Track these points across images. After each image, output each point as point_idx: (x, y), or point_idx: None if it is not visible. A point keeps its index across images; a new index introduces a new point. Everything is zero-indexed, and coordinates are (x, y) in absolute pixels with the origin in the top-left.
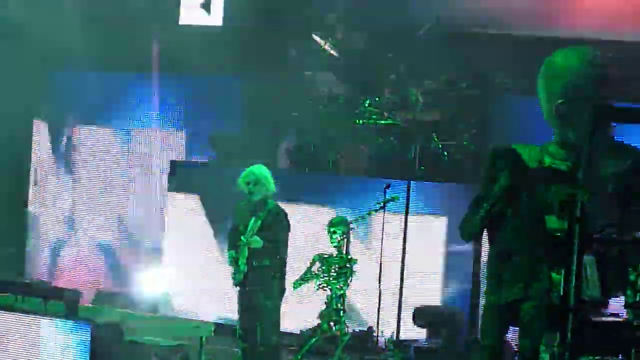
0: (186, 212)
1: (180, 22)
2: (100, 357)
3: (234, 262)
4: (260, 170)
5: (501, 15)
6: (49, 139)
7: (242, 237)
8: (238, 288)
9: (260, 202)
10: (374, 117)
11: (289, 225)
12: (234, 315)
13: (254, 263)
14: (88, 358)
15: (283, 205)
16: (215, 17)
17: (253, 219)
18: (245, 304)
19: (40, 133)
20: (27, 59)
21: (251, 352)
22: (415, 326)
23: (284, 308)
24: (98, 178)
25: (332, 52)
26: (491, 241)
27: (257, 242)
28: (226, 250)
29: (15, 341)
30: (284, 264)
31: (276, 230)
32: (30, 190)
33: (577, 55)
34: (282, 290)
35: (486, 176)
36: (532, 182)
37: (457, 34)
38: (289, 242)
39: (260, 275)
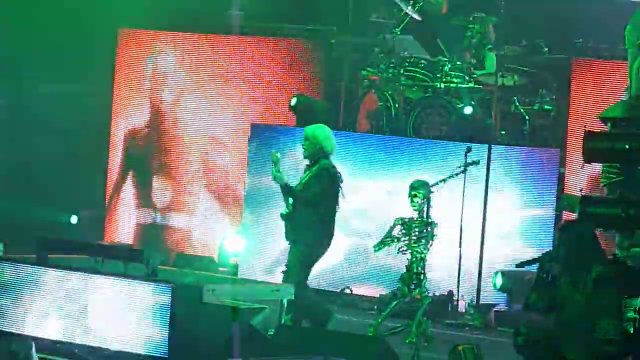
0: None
1: None
2: (180, 319)
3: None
4: (312, 129)
5: None
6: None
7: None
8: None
9: (312, 157)
10: (455, 80)
11: (331, 181)
12: (316, 280)
13: (295, 212)
14: (168, 320)
15: (362, 168)
16: None
17: (306, 172)
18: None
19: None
20: None
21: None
22: (496, 290)
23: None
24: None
25: (414, 15)
26: None
27: (280, 178)
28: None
29: (95, 303)
30: (326, 220)
31: (314, 183)
32: (111, 154)
33: None
34: (324, 242)
35: None
36: None
37: None
38: (335, 201)
39: (296, 223)
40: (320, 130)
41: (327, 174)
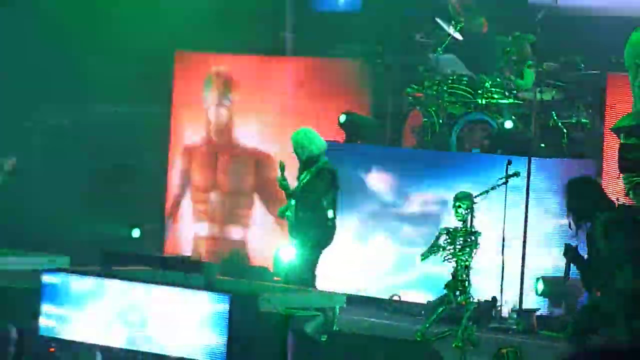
0: None
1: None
2: (237, 327)
3: (283, 213)
4: (295, 138)
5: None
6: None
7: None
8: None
9: (309, 160)
10: (496, 96)
11: (331, 181)
12: (366, 287)
13: (299, 213)
14: (227, 328)
15: (409, 181)
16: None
17: (304, 174)
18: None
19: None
20: None
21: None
22: (538, 296)
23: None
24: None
25: (455, 35)
26: None
27: (285, 186)
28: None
29: (156, 312)
30: (327, 216)
31: (316, 183)
32: (170, 171)
33: None
34: (327, 238)
35: None
36: None
37: (574, 17)
38: (334, 198)
39: (302, 224)
40: (302, 136)
41: (326, 173)
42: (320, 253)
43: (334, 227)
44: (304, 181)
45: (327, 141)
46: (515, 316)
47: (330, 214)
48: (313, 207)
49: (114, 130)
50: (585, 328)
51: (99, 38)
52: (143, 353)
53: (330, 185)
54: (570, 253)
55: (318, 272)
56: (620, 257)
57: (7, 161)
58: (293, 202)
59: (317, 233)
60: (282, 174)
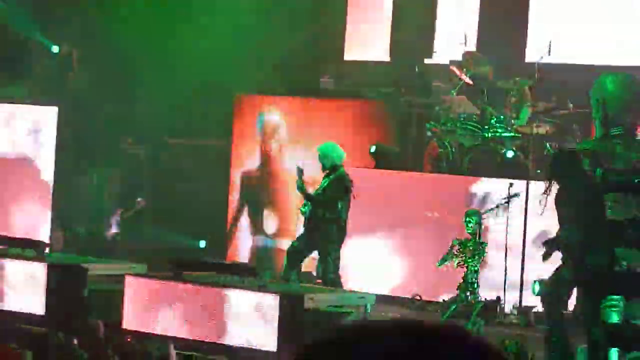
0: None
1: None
2: (286, 321)
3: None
4: (323, 149)
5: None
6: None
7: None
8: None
9: (330, 168)
10: (500, 130)
11: (346, 188)
12: (394, 287)
13: (318, 211)
14: (277, 321)
15: (426, 200)
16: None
17: (325, 179)
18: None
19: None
20: None
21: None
22: (534, 296)
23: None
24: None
25: (466, 80)
26: None
27: (302, 188)
28: None
29: (219, 310)
30: (340, 217)
31: (334, 189)
32: (230, 192)
33: (615, 79)
34: (341, 236)
35: None
36: None
37: (564, 66)
38: (347, 202)
39: (322, 224)
40: (330, 148)
41: (343, 181)
42: (339, 249)
43: (345, 227)
44: (325, 185)
45: (359, 167)
46: (516, 313)
47: (343, 215)
48: (331, 208)
49: (185, 158)
50: (553, 297)
51: (174, 83)
52: (208, 343)
53: (346, 191)
54: (548, 243)
55: (355, 275)
56: (564, 217)
57: (138, 201)
58: (310, 205)
59: (333, 229)
60: (301, 178)
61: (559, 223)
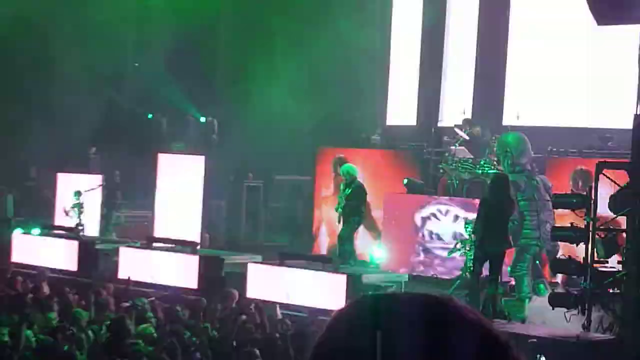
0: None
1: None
2: (350, 294)
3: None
4: (346, 168)
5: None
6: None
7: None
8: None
9: (349, 181)
10: (486, 167)
11: (364, 194)
12: (424, 269)
13: (347, 209)
14: (344, 295)
15: (441, 213)
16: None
17: (346, 189)
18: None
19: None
20: None
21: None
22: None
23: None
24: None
25: (464, 137)
26: None
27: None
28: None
29: (306, 285)
30: (361, 214)
31: (355, 195)
32: (315, 210)
33: (514, 136)
34: (355, 228)
35: None
36: None
37: (532, 127)
38: (364, 205)
39: (348, 220)
40: (350, 168)
41: (362, 188)
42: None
43: (362, 221)
44: (347, 192)
45: (396, 193)
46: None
47: (363, 209)
48: (355, 209)
49: (285, 190)
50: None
51: (278, 139)
52: (298, 305)
53: (365, 194)
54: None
55: (394, 260)
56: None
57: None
58: (341, 201)
59: (357, 221)
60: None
61: (474, 221)
